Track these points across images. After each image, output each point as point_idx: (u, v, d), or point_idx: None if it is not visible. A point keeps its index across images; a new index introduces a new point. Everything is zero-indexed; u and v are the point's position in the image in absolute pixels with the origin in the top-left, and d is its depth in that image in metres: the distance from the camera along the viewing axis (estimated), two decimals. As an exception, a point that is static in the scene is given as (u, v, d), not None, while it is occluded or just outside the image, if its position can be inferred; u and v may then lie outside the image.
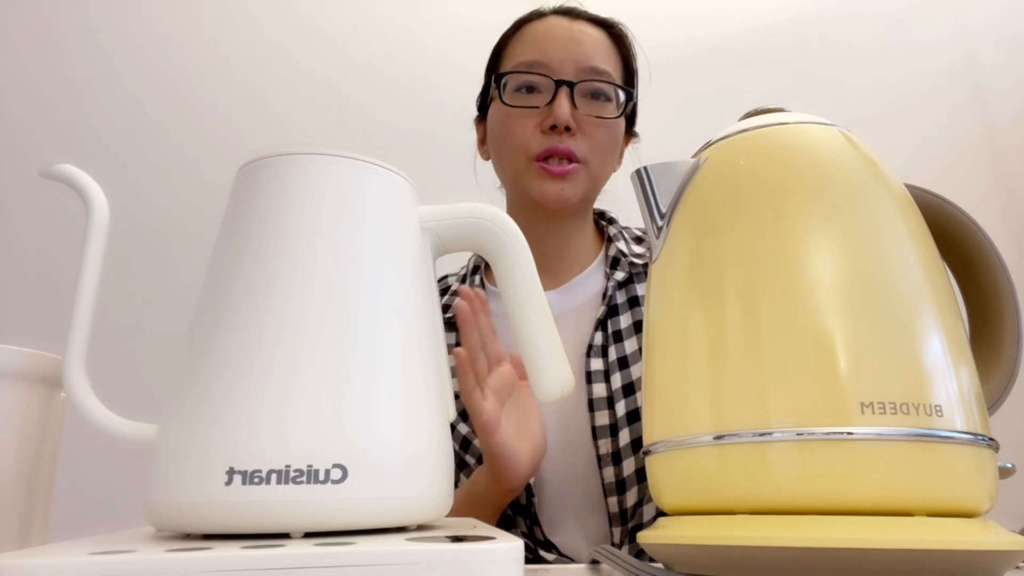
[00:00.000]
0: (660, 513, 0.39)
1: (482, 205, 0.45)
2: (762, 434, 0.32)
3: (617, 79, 0.80)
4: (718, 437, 0.33)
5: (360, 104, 1.51)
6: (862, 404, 0.31)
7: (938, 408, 0.32)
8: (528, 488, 0.70)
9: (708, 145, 0.42)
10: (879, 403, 0.31)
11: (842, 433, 0.31)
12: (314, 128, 1.48)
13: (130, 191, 1.36)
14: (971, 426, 0.32)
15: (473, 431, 0.73)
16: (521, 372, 0.62)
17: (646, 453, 0.39)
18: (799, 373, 0.32)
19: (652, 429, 0.39)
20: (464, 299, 0.56)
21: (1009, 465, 0.38)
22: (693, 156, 0.43)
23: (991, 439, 0.34)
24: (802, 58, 1.60)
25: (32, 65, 1.45)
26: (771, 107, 0.43)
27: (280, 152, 0.39)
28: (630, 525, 0.70)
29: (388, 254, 0.39)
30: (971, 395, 0.34)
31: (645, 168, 0.42)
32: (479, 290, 0.58)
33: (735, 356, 0.34)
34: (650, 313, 0.42)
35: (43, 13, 1.47)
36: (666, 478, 0.37)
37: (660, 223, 0.41)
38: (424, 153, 1.21)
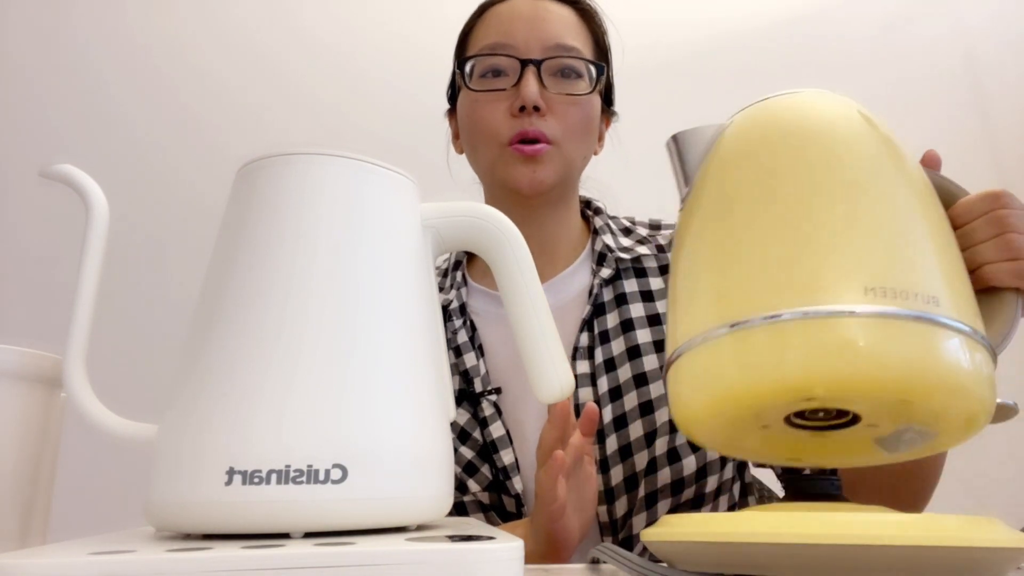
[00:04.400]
0: (651, 523, 0.40)
1: (481, 204, 0.45)
2: (772, 316, 0.34)
3: (586, 55, 0.76)
4: (733, 325, 0.35)
5: (351, 110, 1.50)
6: (865, 288, 0.33)
7: (934, 299, 0.34)
8: (517, 498, 0.69)
9: (735, 113, 0.45)
10: (880, 288, 0.33)
11: (845, 312, 0.33)
12: (310, 134, 1.47)
13: (130, 191, 1.36)
14: (973, 324, 0.35)
15: (458, 438, 0.72)
16: (589, 427, 0.60)
17: (671, 363, 0.41)
18: (806, 260, 0.35)
19: (675, 338, 0.40)
20: (560, 408, 0.56)
21: (1011, 403, 0.39)
22: (732, 116, 0.45)
23: (987, 341, 0.35)
24: (802, 58, 1.60)
25: (32, 66, 1.45)
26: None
27: (280, 152, 0.39)
28: (621, 536, 0.68)
29: (388, 254, 0.39)
30: (967, 299, 0.36)
31: (677, 134, 0.45)
32: (566, 411, 0.58)
33: (748, 253, 0.37)
34: (678, 247, 0.44)
35: (41, 15, 1.48)
36: (688, 385, 0.39)
37: (690, 175, 0.44)
38: (415, 156, 1.21)
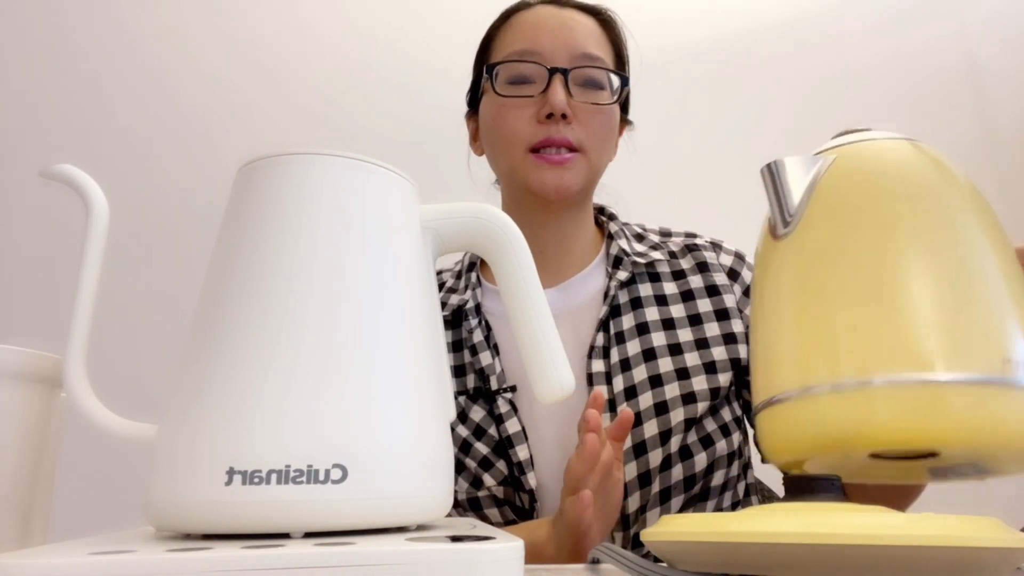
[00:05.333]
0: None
1: (482, 205, 0.45)
2: (864, 383, 0.39)
3: (610, 65, 0.78)
4: (835, 386, 0.40)
5: (354, 110, 1.50)
6: (951, 356, 0.38)
7: (1014, 362, 0.38)
8: (531, 493, 0.70)
9: (827, 149, 0.48)
10: (964, 356, 0.38)
11: (929, 380, 0.38)
12: (312, 134, 1.47)
13: (130, 191, 1.36)
14: None
15: (473, 434, 0.73)
16: (622, 433, 0.62)
17: (762, 408, 0.45)
18: (896, 332, 0.40)
19: (770, 385, 0.44)
20: (592, 428, 0.56)
21: None
22: (819, 161, 0.47)
23: None
24: (802, 58, 1.59)
25: (32, 66, 1.45)
26: (859, 128, 0.49)
27: (280, 152, 0.39)
28: (632, 531, 0.69)
29: (388, 254, 0.39)
30: None
31: (775, 162, 0.47)
32: (596, 414, 0.58)
33: (844, 321, 0.41)
34: (766, 286, 0.48)
35: (40, 14, 1.48)
36: (786, 427, 0.43)
37: (791, 213, 0.47)
38: (418, 156, 1.21)
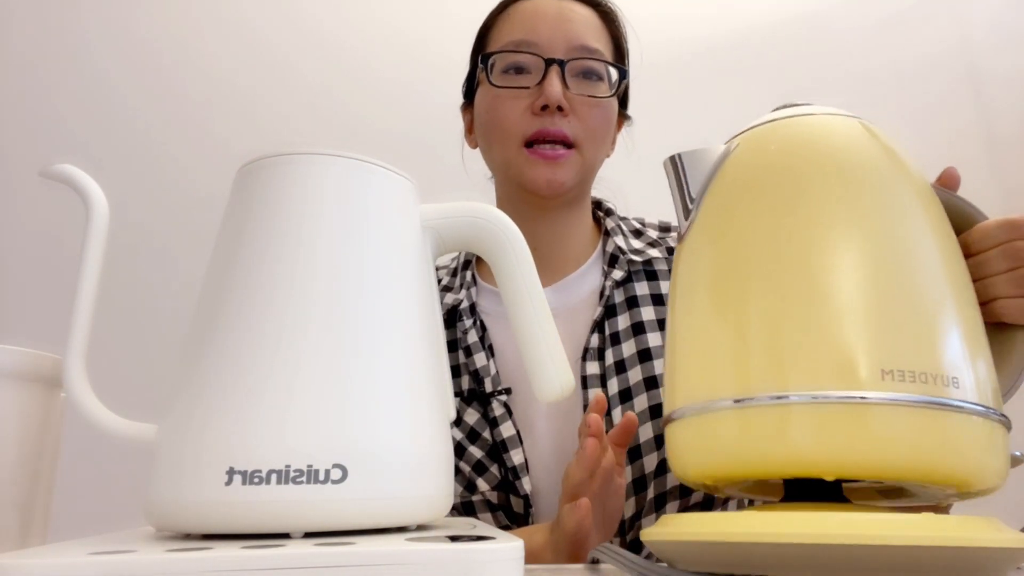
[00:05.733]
0: None
1: (481, 205, 0.45)
2: (779, 397, 0.33)
3: (608, 58, 0.76)
4: (738, 401, 0.34)
5: (357, 106, 1.50)
6: (882, 371, 0.32)
7: (955, 380, 0.32)
8: (525, 499, 0.68)
9: (739, 134, 0.43)
10: (898, 371, 0.32)
11: (856, 398, 0.31)
12: (312, 130, 1.47)
13: (130, 191, 1.36)
14: (983, 399, 0.33)
15: (467, 438, 0.72)
16: (625, 438, 0.60)
17: (667, 421, 0.40)
18: (818, 340, 0.33)
19: (674, 397, 0.39)
20: (593, 434, 0.54)
21: (1018, 453, 0.38)
22: (727, 141, 0.44)
23: (1003, 415, 0.34)
24: (802, 57, 1.60)
25: (32, 66, 1.45)
26: (798, 102, 0.45)
27: (280, 152, 0.39)
28: (629, 537, 0.68)
29: (388, 254, 0.39)
30: (986, 372, 0.34)
31: (678, 155, 0.43)
32: (598, 419, 0.56)
33: (757, 324, 0.35)
34: (677, 286, 0.43)
35: (40, 16, 1.48)
36: (687, 445, 0.38)
37: (690, 206, 0.42)
38: (420, 154, 1.21)
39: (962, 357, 0.33)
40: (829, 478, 0.33)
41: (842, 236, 0.36)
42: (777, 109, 0.44)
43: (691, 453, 0.38)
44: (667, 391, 0.41)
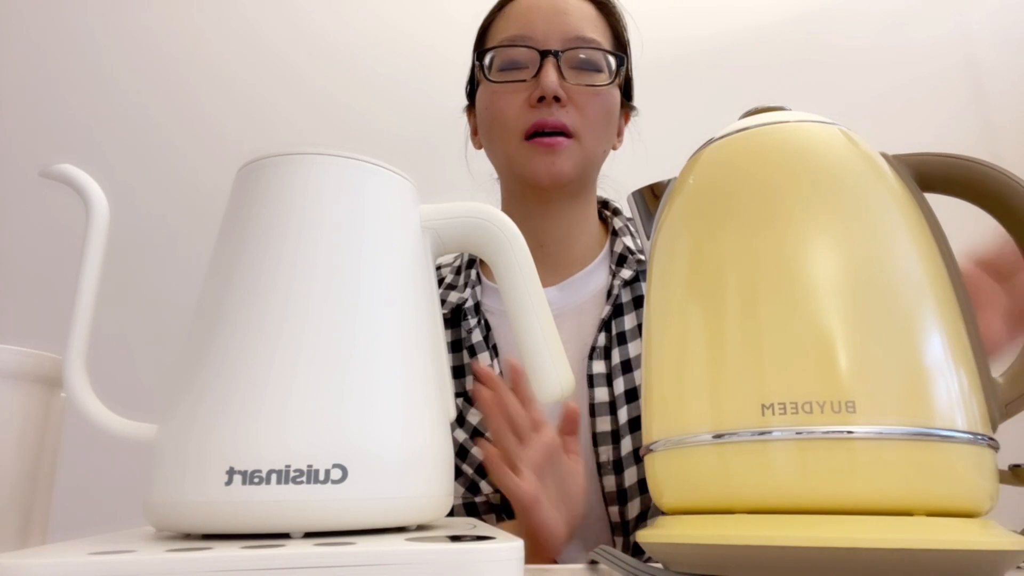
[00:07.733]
0: None
1: (481, 205, 0.45)
2: (761, 433, 0.32)
3: (607, 48, 0.76)
4: (717, 436, 0.33)
5: (358, 107, 1.51)
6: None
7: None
8: None
9: (708, 143, 0.42)
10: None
11: (842, 432, 0.30)
12: (314, 130, 1.47)
13: (130, 191, 1.36)
14: (971, 425, 0.32)
15: (470, 438, 0.72)
16: (571, 427, 0.60)
17: (645, 453, 0.39)
18: (798, 372, 0.32)
19: (651, 429, 0.38)
20: (483, 381, 0.55)
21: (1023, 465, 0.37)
22: (692, 156, 0.43)
23: (991, 438, 0.34)
24: (802, 58, 1.60)
25: (32, 66, 1.45)
26: (772, 106, 0.42)
27: (280, 152, 0.39)
28: (632, 539, 0.68)
29: (388, 254, 0.39)
30: (971, 394, 0.34)
31: (637, 192, 0.43)
32: (489, 370, 0.58)
33: (734, 355, 0.34)
34: (649, 312, 0.42)
35: (42, 15, 1.47)
36: (665, 478, 0.37)
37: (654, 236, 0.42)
38: (421, 155, 1.21)
39: (950, 383, 0.32)
40: (814, 514, 0.31)
41: (818, 258, 0.34)
42: (747, 114, 0.43)
43: (669, 487, 0.37)
44: (644, 422, 0.40)
